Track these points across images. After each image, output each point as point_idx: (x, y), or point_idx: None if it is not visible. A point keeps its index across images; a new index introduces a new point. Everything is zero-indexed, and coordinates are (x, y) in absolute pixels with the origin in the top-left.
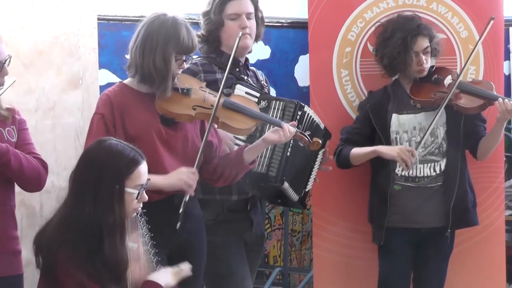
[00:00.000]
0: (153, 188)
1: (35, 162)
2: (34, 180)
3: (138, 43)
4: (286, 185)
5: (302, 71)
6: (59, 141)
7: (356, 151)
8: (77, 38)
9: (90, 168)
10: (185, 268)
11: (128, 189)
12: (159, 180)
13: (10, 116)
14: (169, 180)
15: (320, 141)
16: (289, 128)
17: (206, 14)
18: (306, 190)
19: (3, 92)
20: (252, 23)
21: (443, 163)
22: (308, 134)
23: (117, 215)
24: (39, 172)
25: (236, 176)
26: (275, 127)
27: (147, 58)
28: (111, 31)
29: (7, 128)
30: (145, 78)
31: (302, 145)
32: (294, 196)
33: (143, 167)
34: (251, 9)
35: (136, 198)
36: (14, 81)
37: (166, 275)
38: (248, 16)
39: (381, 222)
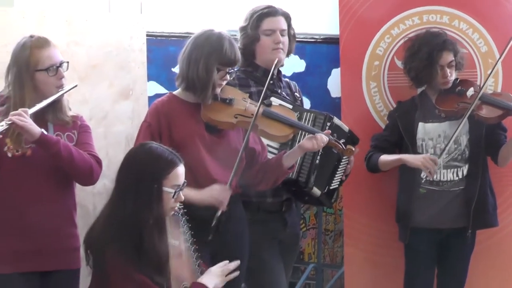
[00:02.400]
0: (186, 201)
1: (87, 156)
2: (86, 172)
3: (185, 54)
4: (315, 189)
5: (334, 83)
6: (111, 148)
7: (384, 158)
8: (128, 53)
9: (131, 168)
10: (233, 266)
11: (165, 189)
12: (192, 194)
13: (71, 122)
14: (201, 195)
15: (353, 149)
16: (322, 137)
17: (243, 29)
18: (331, 188)
19: (62, 94)
20: (285, 39)
21: (465, 169)
22: (342, 142)
23: (156, 212)
24: (91, 165)
25: (276, 180)
26: (310, 135)
27: (192, 67)
28: (158, 47)
29: (66, 133)
30: (189, 86)
31: (335, 151)
32: (317, 193)
33: (180, 169)
34: (284, 26)
35: (173, 197)
36: (76, 85)
37: (214, 277)
38: (281, 33)
39: (407, 222)
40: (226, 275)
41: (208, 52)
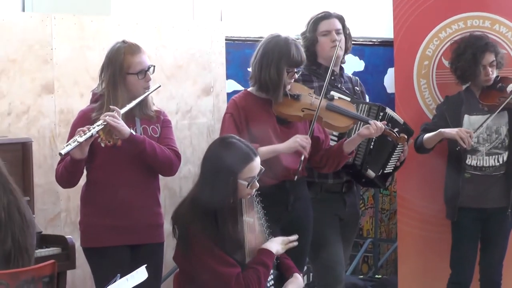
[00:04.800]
0: (276, 153)
1: (168, 151)
2: (167, 166)
3: (257, 59)
4: (369, 172)
5: (389, 81)
6: (195, 137)
7: (427, 135)
8: (209, 55)
9: (211, 160)
10: (293, 238)
11: (240, 181)
12: (279, 147)
13: (155, 116)
14: (287, 144)
15: (406, 137)
16: (377, 125)
17: (303, 33)
18: (385, 172)
19: (148, 94)
20: (341, 37)
21: (505, 155)
22: (396, 131)
23: (231, 200)
24: (171, 160)
25: (338, 164)
26: (367, 125)
27: (264, 71)
28: (236, 49)
29: (151, 126)
30: (262, 87)
31: (390, 139)
32: (372, 175)
33: (255, 163)
34: (339, 26)
35: (247, 187)
36: (159, 86)
37: (276, 244)
38: (337, 32)
39: (454, 203)
40: (286, 244)
41: (278, 57)
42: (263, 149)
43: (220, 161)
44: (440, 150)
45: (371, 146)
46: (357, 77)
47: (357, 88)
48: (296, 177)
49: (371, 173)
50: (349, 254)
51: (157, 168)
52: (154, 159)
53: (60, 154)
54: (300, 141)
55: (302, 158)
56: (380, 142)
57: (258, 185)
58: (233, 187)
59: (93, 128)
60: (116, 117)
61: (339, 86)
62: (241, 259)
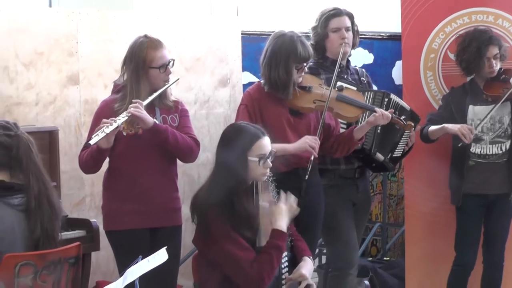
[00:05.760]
0: (285, 153)
1: (189, 139)
2: (188, 153)
3: (266, 59)
4: (378, 155)
5: (397, 73)
6: (212, 126)
7: (432, 127)
8: (226, 49)
9: (223, 144)
10: (291, 199)
11: (250, 158)
12: (289, 147)
13: (173, 106)
14: (297, 144)
15: (413, 124)
16: (384, 113)
17: (314, 28)
18: (394, 155)
19: (168, 87)
20: (349, 35)
21: (508, 144)
22: (403, 119)
23: (244, 180)
24: (192, 147)
25: (348, 149)
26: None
27: (273, 71)
28: (251, 43)
29: (170, 116)
30: (272, 87)
31: (398, 128)
32: (381, 158)
33: (264, 141)
34: (348, 23)
35: (259, 164)
36: (178, 79)
37: (284, 218)
38: (346, 29)
39: (459, 189)
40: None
41: (286, 56)
42: (273, 147)
43: (231, 143)
44: (445, 138)
45: (378, 131)
46: (363, 69)
47: (363, 79)
48: (309, 168)
49: (380, 156)
50: (361, 237)
51: (178, 155)
52: (176, 146)
53: (89, 144)
54: (309, 142)
55: (312, 158)
56: (387, 128)
57: (270, 164)
58: (244, 165)
59: (119, 119)
60: (140, 108)
61: (345, 77)
62: (255, 241)
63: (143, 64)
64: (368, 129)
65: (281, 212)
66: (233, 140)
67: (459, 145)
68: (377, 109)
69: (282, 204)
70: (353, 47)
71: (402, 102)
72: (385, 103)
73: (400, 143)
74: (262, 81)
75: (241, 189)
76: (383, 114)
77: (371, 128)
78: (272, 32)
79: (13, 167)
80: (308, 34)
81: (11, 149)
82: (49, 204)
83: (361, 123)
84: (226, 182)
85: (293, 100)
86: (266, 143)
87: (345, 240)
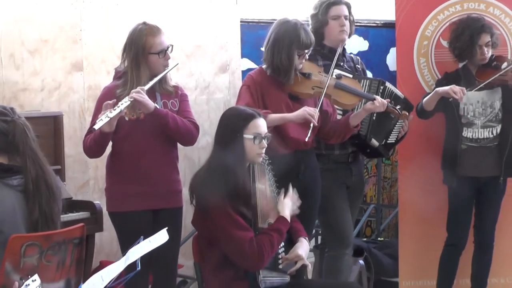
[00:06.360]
0: (285, 121)
1: (189, 124)
2: (188, 137)
3: (269, 45)
4: (373, 141)
5: (392, 59)
6: (212, 111)
7: (425, 98)
8: (226, 36)
9: (221, 126)
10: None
11: (246, 136)
12: (289, 115)
13: (173, 91)
14: (296, 113)
15: (407, 113)
16: (381, 101)
17: (314, 16)
18: (388, 142)
19: (168, 71)
20: (347, 23)
21: (499, 128)
22: (398, 108)
23: (240, 156)
24: (191, 132)
25: (344, 136)
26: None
27: (276, 57)
28: (250, 30)
29: (171, 100)
30: (274, 71)
31: (393, 116)
32: (376, 144)
33: (259, 121)
34: (347, 12)
35: (254, 143)
36: (177, 64)
37: (287, 208)
38: (345, 17)
39: (452, 172)
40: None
41: (289, 43)
42: (273, 116)
43: (227, 123)
44: (438, 122)
45: (374, 117)
46: (358, 57)
47: (358, 66)
48: (307, 138)
49: (375, 142)
50: (355, 218)
51: (178, 138)
52: (176, 131)
53: (93, 129)
54: (308, 110)
55: (312, 125)
56: (382, 115)
57: (265, 145)
58: (240, 143)
59: (121, 104)
60: (141, 93)
61: (341, 64)
62: (254, 221)
63: (142, 51)
64: (364, 116)
65: (287, 204)
66: (228, 120)
67: (449, 99)
68: (376, 97)
69: (288, 199)
70: (349, 35)
71: (397, 90)
72: (381, 90)
73: (393, 131)
74: (264, 66)
75: (238, 169)
76: (381, 102)
77: (367, 116)
78: (271, 20)
79: (10, 152)
80: (306, 22)
81: (8, 134)
82: (47, 187)
83: (357, 110)
84: (223, 162)
85: (293, 85)
86: (261, 124)
87: (340, 221)
